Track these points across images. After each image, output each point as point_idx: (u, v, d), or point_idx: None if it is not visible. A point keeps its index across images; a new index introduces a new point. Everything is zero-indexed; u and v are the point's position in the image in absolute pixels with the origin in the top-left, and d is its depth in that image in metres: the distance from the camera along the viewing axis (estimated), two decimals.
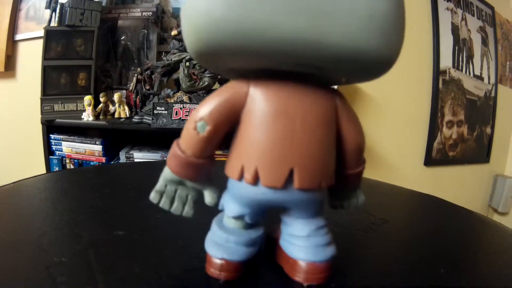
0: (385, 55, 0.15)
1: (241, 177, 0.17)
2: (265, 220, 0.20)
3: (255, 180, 0.17)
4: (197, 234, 0.24)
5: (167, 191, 0.19)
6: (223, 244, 0.19)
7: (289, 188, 0.17)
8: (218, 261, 0.18)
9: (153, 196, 0.19)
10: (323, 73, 0.17)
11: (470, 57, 1.60)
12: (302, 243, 0.19)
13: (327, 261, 0.19)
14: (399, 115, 1.34)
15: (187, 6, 0.15)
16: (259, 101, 0.17)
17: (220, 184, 0.20)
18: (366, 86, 1.29)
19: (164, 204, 0.19)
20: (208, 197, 0.20)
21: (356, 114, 0.19)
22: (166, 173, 0.19)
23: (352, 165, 0.20)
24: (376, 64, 0.16)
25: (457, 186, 1.50)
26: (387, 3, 0.14)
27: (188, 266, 0.20)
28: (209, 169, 0.19)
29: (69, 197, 0.34)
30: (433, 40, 1.43)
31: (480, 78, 1.63)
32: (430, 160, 1.42)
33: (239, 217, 0.19)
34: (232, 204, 0.19)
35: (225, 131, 0.18)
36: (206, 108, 0.17)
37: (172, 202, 0.20)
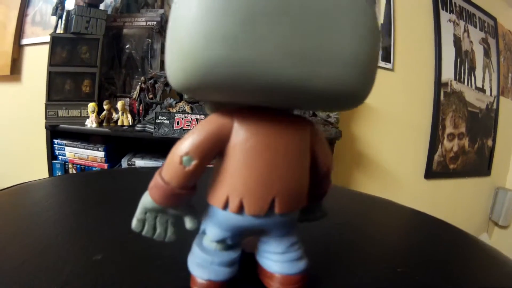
0: (364, 94, 0.17)
1: (225, 206, 0.18)
2: (242, 240, 0.22)
3: (240, 210, 0.18)
4: (172, 252, 0.25)
5: (148, 219, 0.20)
6: (207, 266, 0.20)
7: (271, 214, 0.19)
8: (203, 282, 0.20)
9: (135, 225, 0.20)
10: (304, 108, 0.20)
11: (472, 69, 1.60)
12: (278, 258, 0.21)
13: (300, 273, 0.21)
14: (400, 127, 1.35)
15: (177, 38, 0.14)
16: (244, 136, 0.18)
17: (196, 203, 0.21)
18: (368, 99, 1.30)
19: (147, 232, 0.20)
20: (189, 222, 0.21)
21: (325, 139, 0.21)
22: (147, 202, 0.19)
23: (323, 186, 0.22)
24: (355, 101, 0.18)
25: (458, 199, 1.50)
26: (368, 47, 0.16)
27: None
28: (191, 197, 0.20)
29: (50, 211, 0.34)
30: (435, 52, 1.44)
31: (481, 90, 1.64)
32: (430, 173, 1.43)
33: (221, 241, 0.20)
34: (215, 229, 0.20)
35: (209, 162, 0.19)
36: (191, 142, 0.17)
37: (154, 229, 0.20)
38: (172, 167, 0.18)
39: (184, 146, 0.17)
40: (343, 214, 0.39)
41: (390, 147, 1.34)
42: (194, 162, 0.17)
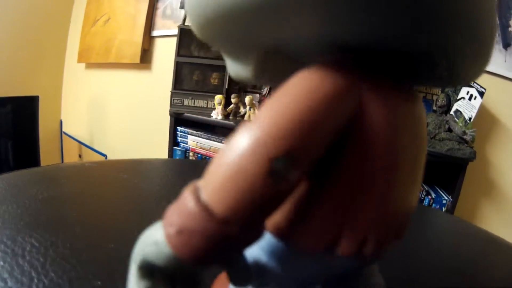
0: None
1: (332, 249, 0.11)
2: None
3: (360, 251, 0.11)
4: None
5: (157, 285, 0.10)
6: None
7: None
8: None
9: None
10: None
11: None
12: None
13: None
14: None
15: None
16: (381, 116, 0.10)
17: None
18: (506, 118, 1.15)
19: None
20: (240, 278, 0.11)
21: None
22: (159, 258, 0.09)
23: None
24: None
25: None
26: None
27: None
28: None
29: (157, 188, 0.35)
30: None
31: None
32: None
33: None
34: (289, 282, 0.12)
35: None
36: (298, 131, 0.08)
37: None
38: (242, 183, 0.08)
39: (280, 135, 0.08)
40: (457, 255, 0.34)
41: None
42: (299, 171, 0.09)
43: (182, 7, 1.32)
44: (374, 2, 0.08)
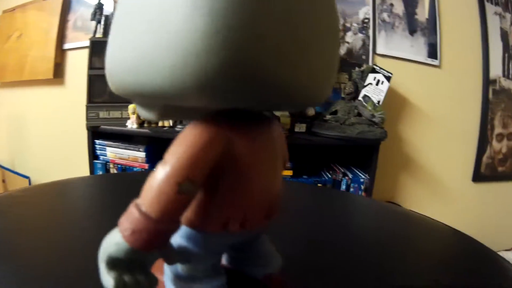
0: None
1: (225, 229, 0.16)
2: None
3: (242, 228, 0.17)
4: None
5: (123, 270, 0.14)
6: None
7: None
8: None
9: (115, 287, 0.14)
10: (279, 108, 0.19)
11: None
12: (264, 261, 0.21)
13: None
14: (447, 126, 1.27)
15: (171, 27, 0.12)
16: (245, 148, 0.15)
17: None
18: (414, 97, 1.24)
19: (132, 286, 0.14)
20: (175, 258, 0.17)
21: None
22: (120, 251, 0.14)
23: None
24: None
25: (507, 203, 1.40)
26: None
27: None
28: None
29: (82, 207, 0.38)
30: (482, 47, 1.35)
31: None
32: (478, 176, 1.34)
33: (211, 266, 0.18)
34: (203, 255, 0.18)
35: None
36: (191, 162, 0.14)
37: (136, 281, 0.15)
38: (164, 198, 0.14)
39: (182, 169, 0.14)
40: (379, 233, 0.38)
41: (436, 148, 1.27)
42: (195, 188, 0.14)
43: (93, 18, 1.28)
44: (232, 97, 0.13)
